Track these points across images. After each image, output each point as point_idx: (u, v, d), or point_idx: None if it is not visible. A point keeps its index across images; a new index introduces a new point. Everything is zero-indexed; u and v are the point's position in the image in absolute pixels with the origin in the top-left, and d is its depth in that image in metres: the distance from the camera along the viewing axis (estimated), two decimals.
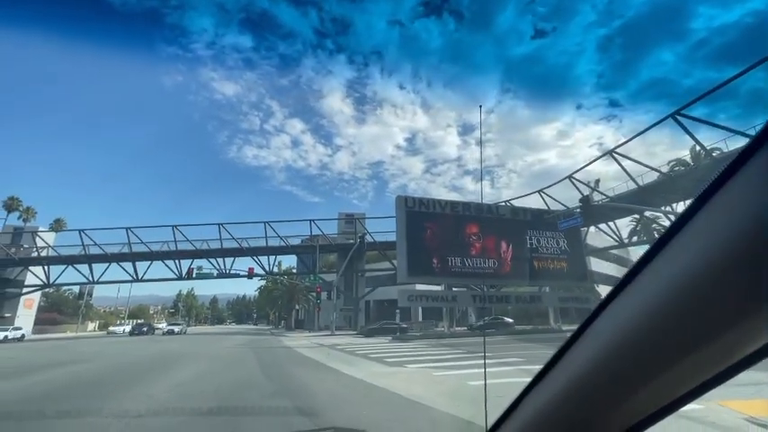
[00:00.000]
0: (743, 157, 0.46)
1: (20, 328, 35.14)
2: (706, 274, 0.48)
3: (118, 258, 41.79)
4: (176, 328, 42.32)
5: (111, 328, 48.06)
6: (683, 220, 0.54)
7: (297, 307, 56.11)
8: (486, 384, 1.58)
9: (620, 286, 0.63)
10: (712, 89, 20.60)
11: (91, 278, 42.22)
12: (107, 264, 42.27)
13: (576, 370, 0.72)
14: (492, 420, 1.02)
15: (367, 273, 42.63)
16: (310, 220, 41.88)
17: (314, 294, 37.84)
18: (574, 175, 32.27)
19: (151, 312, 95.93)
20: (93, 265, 41.79)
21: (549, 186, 35.32)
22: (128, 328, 46.02)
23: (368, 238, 42.25)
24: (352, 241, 42.38)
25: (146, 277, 42.40)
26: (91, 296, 58.11)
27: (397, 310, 34.07)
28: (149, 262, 42.48)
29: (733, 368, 0.56)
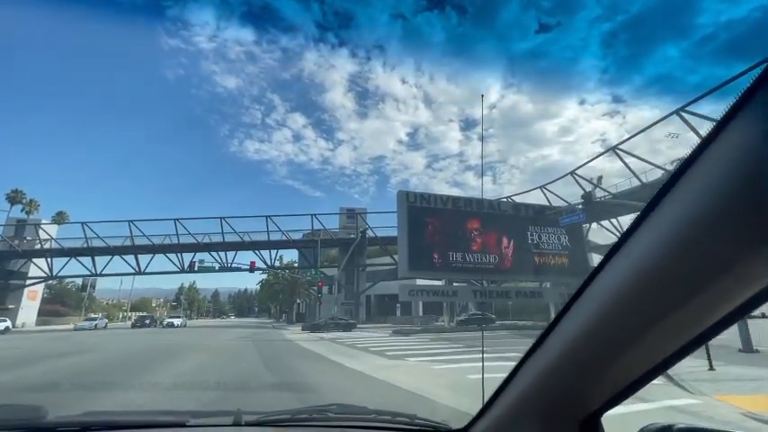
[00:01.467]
0: (739, 103, 0.45)
1: (5, 320, 32.51)
2: (700, 222, 0.49)
3: (120, 251, 42.01)
4: (177, 321, 42.48)
5: (79, 324, 36.79)
6: (676, 176, 0.54)
7: (298, 301, 56.34)
8: (483, 377, 1.62)
9: (613, 250, 0.64)
10: (719, 85, 20.48)
11: (94, 270, 42.50)
12: (110, 256, 42.50)
13: (564, 341, 0.75)
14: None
15: (368, 267, 42.74)
16: (312, 215, 41.99)
17: (315, 288, 38.00)
18: (576, 172, 32.15)
19: (153, 305, 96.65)
20: (96, 257, 42.06)
21: (551, 182, 35.24)
22: (101, 322, 38.84)
23: (369, 233, 42.31)
24: (353, 236, 42.45)
25: (148, 270, 42.63)
26: (94, 288, 58.48)
27: (398, 305, 34.20)
28: (152, 255, 42.69)
29: (729, 317, 0.56)
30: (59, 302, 54.81)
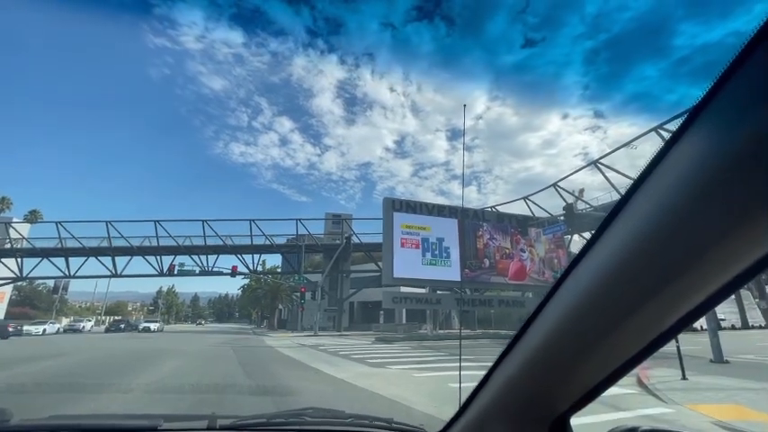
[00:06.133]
0: (696, 110, 0.45)
1: None
2: (657, 229, 0.51)
3: (96, 252, 40.65)
4: (153, 326, 41.38)
5: (26, 327, 31.23)
6: (633, 188, 0.55)
7: (280, 307, 55.49)
8: (460, 383, 1.64)
9: (578, 258, 0.65)
10: (695, 105, 21.25)
11: (67, 272, 40.96)
12: (85, 258, 41.08)
13: (532, 345, 0.77)
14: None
15: (352, 274, 42.50)
16: (297, 220, 41.65)
17: (298, 294, 37.51)
18: (558, 184, 32.90)
19: (129, 309, 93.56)
20: (70, 258, 40.57)
21: (535, 193, 35.94)
22: (50, 328, 33.73)
23: (354, 240, 42.16)
24: (338, 242, 42.21)
25: (125, 273, 41.38)
26: (66, 291, 56.36)
27: (381, 312, 34.08)
28: (129, 257, 41.47)
29: (686, 318, 0.57)
30: (29, 305, 52.50)
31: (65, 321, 45.58)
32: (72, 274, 41.10)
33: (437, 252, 28.14)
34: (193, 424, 1.28)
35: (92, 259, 41.18)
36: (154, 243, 40.37)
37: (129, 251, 40.83)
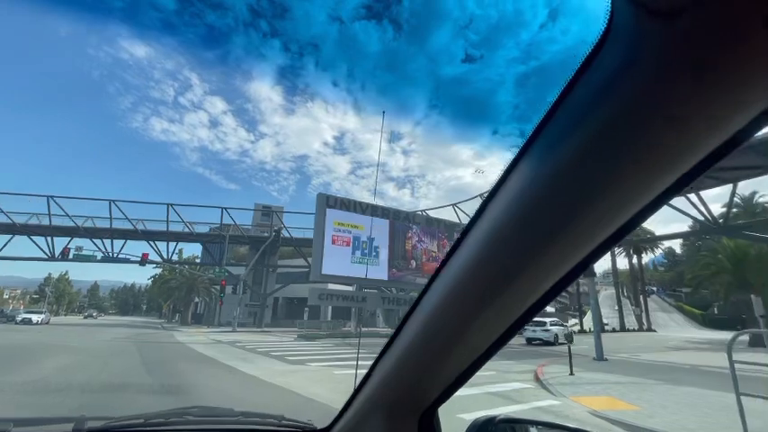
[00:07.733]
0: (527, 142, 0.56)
1: None
2: (493, 244, 0.58)
3: None
4: (36, 317, 35.10)
5: None
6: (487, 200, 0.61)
7: (196, 300, 51.56)
8: (355, 379, 1.68)
9: (441, 264, 0.71)
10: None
11: None
12: None
13: (404, 343, 0.83)
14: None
15: (279, 269, 41.08)
16: (222, 208, 38.99)
17: (217, 287, 35.18)
18: (484, 195, 35.24)
19: (6, 297, 79.90)
20: None
21: (463, 202, 38.18)
22: None
23: (284, 233, 40.82)
24: (266, 234, 40.51)
25: (2, 255, 35.16)
26: None
27: (306, 308, 33.53)
28: (10, 236, 35.30)
29: (524, 317, 0.66)
30: None
31: None
32: None
33: (367, 251, 28.45)
34: (54, 428, 1.10)
35: None
36: (45, 221, 34.86)
37: (11, 229, 34.75)
